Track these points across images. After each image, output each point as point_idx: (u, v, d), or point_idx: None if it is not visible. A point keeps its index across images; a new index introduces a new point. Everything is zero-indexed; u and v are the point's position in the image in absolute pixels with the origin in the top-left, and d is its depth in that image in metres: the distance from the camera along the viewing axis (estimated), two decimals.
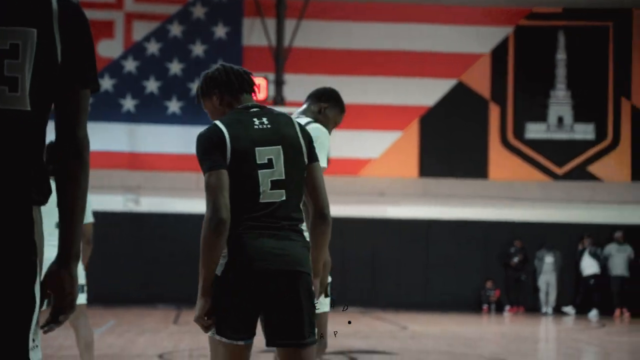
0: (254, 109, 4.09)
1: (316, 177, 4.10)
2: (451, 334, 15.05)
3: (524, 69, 21.48)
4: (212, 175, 3.87)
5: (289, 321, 3.92)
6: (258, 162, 3.94)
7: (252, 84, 4.20)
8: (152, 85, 20.83)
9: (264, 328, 3.96)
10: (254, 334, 3.92)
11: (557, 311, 21.10)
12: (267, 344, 3.98)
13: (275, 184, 3.95)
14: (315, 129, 5.21)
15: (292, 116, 5.45)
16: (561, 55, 21.58)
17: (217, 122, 4.01)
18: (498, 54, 21.48)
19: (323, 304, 5.28)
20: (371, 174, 20.94)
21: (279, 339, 3.94)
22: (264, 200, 3.93)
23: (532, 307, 21.26)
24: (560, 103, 21.57)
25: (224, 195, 3.85)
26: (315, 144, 5.13)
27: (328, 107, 5.52)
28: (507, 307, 21.21)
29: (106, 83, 20.72)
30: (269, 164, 3.96)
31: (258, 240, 3.90)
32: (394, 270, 20.09)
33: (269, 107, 4.21)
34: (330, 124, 5.54)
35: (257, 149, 3.96)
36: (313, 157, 4.11)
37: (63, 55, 2.49)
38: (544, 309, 21.08)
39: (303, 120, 5.37)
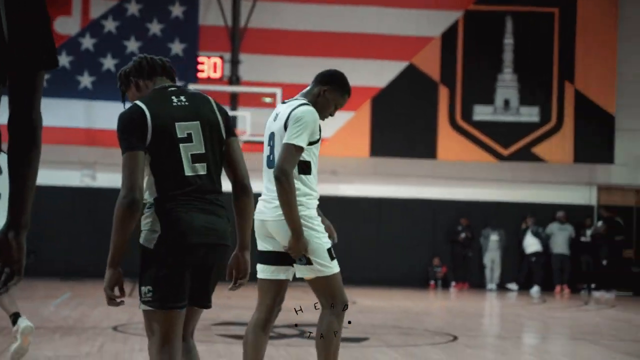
0: (171, 89, 4.20)
1: (234, 151, 4.21)
2: (399, 308, 15.16)
3: (472, 53, 21.59)
4: (128, 157, 3.96)
5: (206, 287, 4.16)
6: (179, 136, 4.04)
7: (166, 67, 4.32)
8: (109, 63, 20.61)
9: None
10: (185, 303, 4.07)
11: (501, 287, 21.33)
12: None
13: (196, 158, 4.06)
14: (302, 112, 5.37)
15: (293, 98, 5.54)
16: (508, 40, 21.71)
17: (137, 102, 4.11)
18: (448, 38, 21.56)
19: (334, 266, 5.43)
20: (324, 153, 20.78)
21: (193, 300, 4.14)
22: (188, 174, 4.03)
23: (477, 283, 21.48)
24: (507, 86, 21.72)
25: (138, 177, 3.94)
26: (297, 124, 5.35)
27: (328, 90, 5.59)
28: (453, 283, 21.40)
29: (63, 60, 20.44)
30: (189, 138, 4.06)
31: (188, 214, 4.00)
32: (345, 247, 20.12)
33: (185, 87, 4.38)
34: (329, 107, 5.62)
35: (177, 124, 4.06)
36: (230, 132, 4.22)
37: (10, 33, 2.40)
38: (488, 286, 21.31)
39: (297, 102, 5.50)
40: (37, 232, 18.99)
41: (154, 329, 4.05)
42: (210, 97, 4.26)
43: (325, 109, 5.59)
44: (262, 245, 5.47)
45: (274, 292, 5.50)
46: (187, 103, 4.14)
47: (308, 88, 5.64)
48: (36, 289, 16.53)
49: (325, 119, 5.69)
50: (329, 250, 5.41)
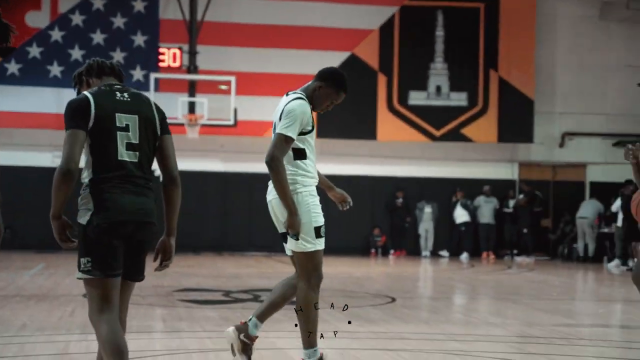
0: (117, 86, 4.32)
1: (167, 147, 4.31)
2: (343, 274, 15.22)
3: (407, 44, 21.64)
4: (70, 134, 4.09)
5: (137, 262, 4.25)
6: (117, 125, 4.17)
7: (115, 69, 4.43)
8: (76, 54, 20.31)
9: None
10: (120, 271, 4.16)
11: (434, 254, 21.54)
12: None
13: (130, 146, 4.17)
14: (293, 105, 5.41)
15: (294, 91, 5.50)
16: (439, 33, 21.80)
17: (85, 92, 4.24)
18: (385, 30, 21.59)
19: (317, 243, 5.47)
20: None
21: (126, 274, 4.23)
22: (121, 159, 4.15)
23: (413, 251, 21.65)
24: (438, 74, 21.84)
25: (76, 151, 4.08)
26: (288, 117, 5.35)
27: (323, 86, 5.58)
28: (392, 251, 21.54)
29: (34, 51, 20.14)
30: (126, 128, 4.18)
31: (119, 195, 4.12)
32: None
33: (130, 87, 4.39)
34: (324, 102, 5.61)
35: (117, 114, 4.18)
36: (165, 130, 4.32)
37: None
38: (423, 253, 21.49)
39: (294, 95, 5.52)
40: (13, 208, 18.72)
41: (94, 295, 4.13)
42: (150, 99, 4.38)
43: (320, 104, 5.59)
44: (278, 227, 5.55)
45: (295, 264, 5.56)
46: (129, 99, 4.26)
47: (309, 82, 5.63)
48: (12, 261, 16.34)
49: (324, 111, 5.68)
50: (317, 228, 5.43)
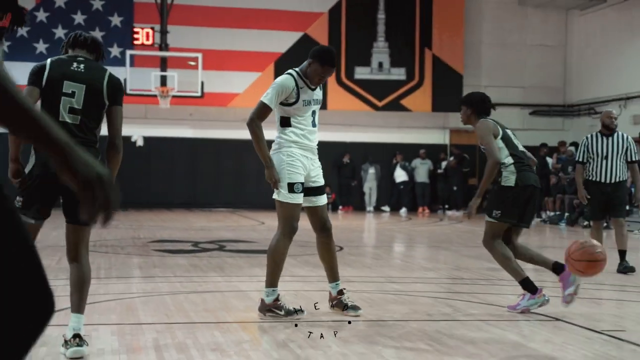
0: (79, 58, 4.36)
1: (114, 117, 4.36)
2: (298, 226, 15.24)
3: (353, 25, 21.59)
4: (26, 89, 4.24)
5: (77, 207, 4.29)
6: (63, 90, 4.25)
7: (88, 44, 4.43)
8: (59, 32, 19.90)
9: (64, 211, 4.37)
10: (43, 218, 4.35)
11: (377, 209, 21.70)
12: (66, 221, 4.42)
13: (72, 110, 4.26)
14: (278, 78, 5.50)
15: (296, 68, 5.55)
16: (381, 15, 21.76)
17: (49, 58, 4.37)
18: (334, 13, 21.49)
19: (287, 197, 5.51)
20: (238, 105, 20.78)
21: (72, 218, 4.37)
22: (62, 120, 4.23)
23: (359, 206, 21.79)
24: (380, 52, 21.83)
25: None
26: (270, 87, 5.39)
27: (311, 62, 5.57)
28: (340, 207, 21.66)
29: (21, 30, 19.65)
30: (72, 95, 4.26)
31: None
32: (255, 180, 20.16)
33: (94, 61, 4.40)
34: (314, 77, 5.57)
35: (65, 81, 4.26)
36: (115, 102, 4.34)
37: None
38: (367, 208, 21.64)
39: (287, 71, 5.53)
40: (4, 169, 18.46)
41: None
42: (108, 72, 4.39)
43: (312, 78, 5.57)
44: None
45: (308, 216, 5.70)
46: (83, 70, 4.30)
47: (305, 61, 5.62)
48: None
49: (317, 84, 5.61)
50: (290, 184, 5.47)
